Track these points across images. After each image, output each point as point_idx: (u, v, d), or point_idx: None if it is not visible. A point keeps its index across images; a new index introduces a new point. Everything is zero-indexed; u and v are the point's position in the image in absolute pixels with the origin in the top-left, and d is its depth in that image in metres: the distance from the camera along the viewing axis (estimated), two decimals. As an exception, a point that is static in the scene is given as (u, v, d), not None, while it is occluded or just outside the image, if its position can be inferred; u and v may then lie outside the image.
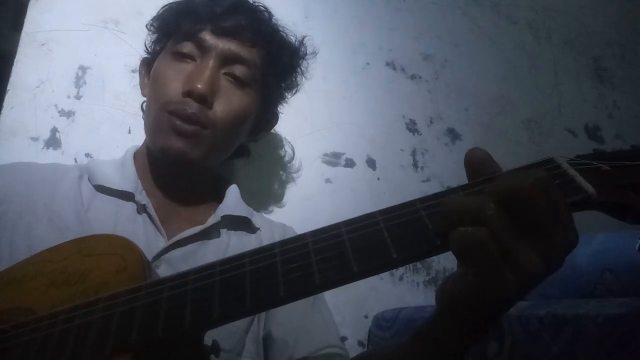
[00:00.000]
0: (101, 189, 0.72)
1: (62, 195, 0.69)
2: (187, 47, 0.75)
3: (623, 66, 1.44)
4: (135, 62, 0.99)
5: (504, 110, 1.29)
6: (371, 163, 1.13)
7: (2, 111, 0.93)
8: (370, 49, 1.23)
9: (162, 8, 0.85)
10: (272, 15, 0.85)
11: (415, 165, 1.16)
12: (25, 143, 0.93)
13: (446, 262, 1.08)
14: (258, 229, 0.81)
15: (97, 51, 1.02)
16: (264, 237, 0.80)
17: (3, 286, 0.49)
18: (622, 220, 0.37)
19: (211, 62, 0.74)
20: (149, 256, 0.64)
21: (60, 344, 0.39)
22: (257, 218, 0.83)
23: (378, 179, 1.12)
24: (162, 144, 0.72)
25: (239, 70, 0.76)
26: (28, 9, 1.01)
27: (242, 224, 0.80)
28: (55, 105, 0.96)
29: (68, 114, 0.97)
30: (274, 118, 0.93)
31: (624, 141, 1.34)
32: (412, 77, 1.24)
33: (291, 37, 0.88)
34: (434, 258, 1.09)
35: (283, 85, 0.90)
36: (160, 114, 0.73)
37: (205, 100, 0.72)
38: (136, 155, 0.81)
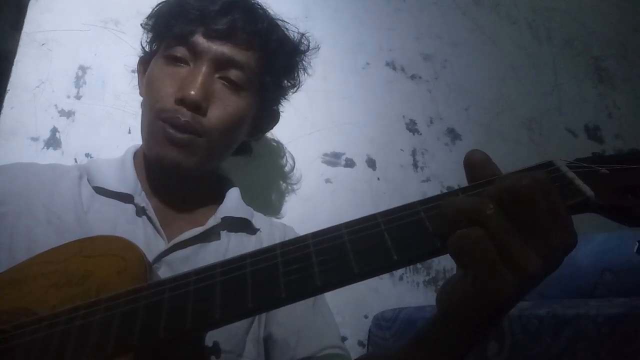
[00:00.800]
0: (100, 190, 0.72)
1: (61, 197, 0.68)
2: (180, 51, 0.73)
3: (623, 66, 1.44)
4: (135, 62, 0.99)
5: (504, 110, 1.29)
6: (371, 163, 1.13)
7: (2, 111, 0.93)
8: (370, 49, 1.23)
9: (156, 6, 0.82)
10: (267, 11, 0.81)
11: (415, 165, 1.16)
12: (25, 143, 0.93)
13: (446, 262, 1.08)
14: (258, 229, 0.80)
15: (97, 51, 1.02)
16: (264, 238, 0.80)
17: (4, 287, 0.49)
18: (621, 223, 0.38)
19: (204, 68, 0.71)
20: (149, 258, 0.64)
21: (61, 344, 0.39)
22: (257, 218, 0.83)
23: (378, 179, 1.12)
24: (156, 153, 0.71)
25: (233, 74, 0.73)
26: (28, 9, 1.00)
27: (242, 226, 0.79)
28: (55, 105, 0.96)
29: (68, 114, 0.97)
30: (274, 117, 0.91)
31: (624, 141, 1.34)
32: (412, 77, 1.24)
33: (290, 32, 0.85)
34: (434, 258, 1.09)
35: (283, 83, 0.87)
36: (154, 122, 0.71)
37: (198, 107, 0.70)
38: (136, 155, 0.80)
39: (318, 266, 0.37)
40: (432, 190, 1.14)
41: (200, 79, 0.70)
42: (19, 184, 0.69)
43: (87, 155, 0.95)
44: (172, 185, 0.77)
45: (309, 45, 0.88)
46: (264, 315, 0.73)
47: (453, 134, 1.22)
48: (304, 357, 0.69)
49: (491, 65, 1.32)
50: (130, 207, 0.71)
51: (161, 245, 0.69)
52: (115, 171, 0.75)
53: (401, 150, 1.16)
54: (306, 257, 0.38)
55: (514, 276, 0.34)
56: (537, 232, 0.35)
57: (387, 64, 1.23)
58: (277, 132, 1.07)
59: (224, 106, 0.72)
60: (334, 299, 0.93)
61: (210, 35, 0.73)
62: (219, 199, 0.81)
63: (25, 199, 0.67)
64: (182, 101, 0.69)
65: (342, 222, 0.40)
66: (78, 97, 0.98)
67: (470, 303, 0.36)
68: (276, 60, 0.80)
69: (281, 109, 0.97)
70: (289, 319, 0.71)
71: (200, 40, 0.72)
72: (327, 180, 1.09)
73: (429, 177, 1.16)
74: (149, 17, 0.83)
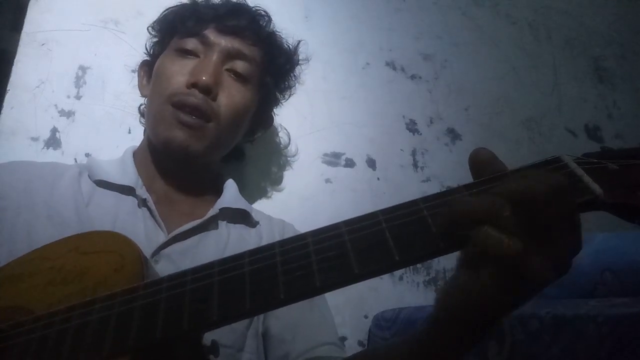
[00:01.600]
0: (102, 183, 0.73)
1: (61, 192, 0.69)
2: (191, 44, 0.78)
3: (623, 66, 1.44)
4: (135, 62, 0.99)
5: (504, 110, 1.29)
6: (371, 163, 1.13)
7: (2, 111, 0.93)
8: (370, 49, 1.23)
9: (164, 11, 0.87)
10: (271, 20, 0.89)
11: (415, 165, 1.16)
12: (25, 143, 0.93)
13: (446, 262, 1.08)
14: (258, 222, 0.81)
15: (97, 51, 1.02)
16: (264, 232, 0.81)
17: (0, 284, 0.49)
18: (631, 221, 0.36)
19: (215, 57, 0.77)
20: (149, 251, 0.64)
21: (57, 345, 0.39)
22: (256, 213, 0.84)
23: (378, 179, 1.12)
24: (165, 136, 0.73)
25: (240, 66, 0.79)
26: (28, 9, 1.00)
27: (242, 218, 0.80)
28: (55, 105, 0.96)
29: (68, 114, 0.97)
30: (269, 119, 0.95)
31: (624, 141, 1.34)
32: (412, 77, 1.24)
33: (286, 44, 0.92)
34: (435, 258, 1.09)
35: (280, 85, 0.92)
36: (164, 107, 0.74)
37: (210, 91, 0.74)
38: (135, 153, 0.82)
39: (318, 265, 0.36)
40: (432, 190, 1.14)
41: (211, 66, 0.76)
42: (20, 180, 0.69)
43: (87, 155, 0.95)
44: (172, 180, 0.78)
45: (298, 58, 0.95)
46: None
47: (453, 134, 1.22)
48: (299, 353, 0.69)
49: (491, 65, 1.32)
50: (131, 200, 0.73)
51: (161, 237, 0.69)
52: (116, 166, 0.77)
53: (401, 150, 1.16)
54: (305, 256, 0.37)
55: (528, 278, 0.34)
56: (549, 235, 0.34)
57: (387, 64, 1.23)
58: (277, 132, 1.07)
59: (232, 95, 0.77)
60: (333, 298, 0.93)
61: (221, 30, 0.79)
62: (218, 193, 0.83)
63: (26, 194, 0.68)
64: (194, 84, 0.74)
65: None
66: (78, 97, 0.98)
67: (477, 304, 0.35)
68: (276, 62, 0.87)
69: (281, 108, 0.98)
70: (286, 314, 0.72)
71: (211, 33, 0.78)
72: (327, 180, 1.09)
73: (429, 177, 1.16)
74: (157, 21, 0.88)
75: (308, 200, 1.05)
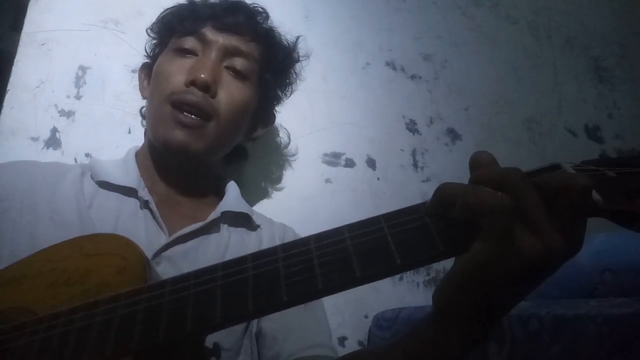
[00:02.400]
0: (104, 184, 0.73)
1: (63, 193, 0.69)
2: (189, 43, 0.78)
3: (623, 66, 1.44)
4: (135, 62, 1.00)
5: (504, 110, 1.29)
6: (371, 163, 1.13)
7: (2, 111, 0.93)
8: (370, 49, 1.23)
9: (162, 12, 0.87)
10: (269, 16, 0.88)
11: (415, 165, 1.16)
12: (25, 143, 0.93)
13: (446, 262, 1.07)
14: (259, 226, 0.81)
15: (97, 51, 1.02)
16: (265, 236, 0.81)
17: (3, 285, 0.49)
18: (629, 228, 0.37)
19: (213, 55, 0.77)
20: (150, 252, 0.64)
21: (60, 346, 0.39)
22: (257, 216, 0.84)
23: (378, 179, 1.12)
24: (164, 137, 0.73)
25: (239, 63, 0.79)
26: (28, 9, 1.00)
27: (243, 221, 0.80)
28: (55, 105, 0.96)
29: (68, 114, 0.97)
30: (271, 117, 0.95)
31: (624, 141, 1.34)
32: (412, 77, 1.24)
33: (284, 40, 0.91)
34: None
35: (280, 82, 0.92)
36: (164, 107, 0.74)
37: (208, 88, 0.74)
38: (137, 154, 0.82)
39: (320, 269, 0.37)
40: (432, 190, 1.12)
41: (210, 63, 0.75)
42: (23, 180, 0.69)
43: (87, 155, 0.95)
44: (174, 181, 0.78)
45: (298, 56, 0.95)
46: None
47: (453, 134, 1.22)
48: (290, 353, 0.69)
49: (491, 65, 1.32)
50: (133, 201, 0.73)
51: (162, 239, 0.69)
52: (119, 168, 0.77)
53: (401, 150, 1.16)
54: (308, 260, 0.37)
55: (516, 251, 0.34)
56: (554, 222, 0.35)
57: (387, 64, 1.23)
58: (277, 132, 1.07)
59: (231, 92, 0.77)
60: (334, 298, 0.93)
61: (219, 28, 0.78)
62: (219, 196, 0.83)
63: (28, 195, 0.67)
64: (193, 82, 0.73)
65: (342, 222, 0.40)
66: (78, 97, 0.98)
67: (469, 285, 0.36)
68: (275, 59, 0.86)
69: (281, 108, 0.98)
70: (280, 315, 0.71)
71: (209, 31, 0.78)
72: (327, 180, 1.09)
73: (429, 177, 1.16)
74: (155, 22, 0.88)
75: (308, 200, 1.05)
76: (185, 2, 0.86)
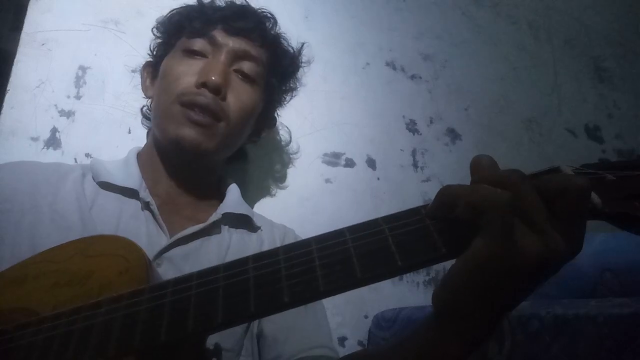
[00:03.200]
0: (105, 185, 0.73)
1: (65, 195, 0.69)
2: (199, 44, 0.78)
3: (623, 66, 1.44)
4: (135, 62, 1.00)
5: (504, 110, 1.29)
6: (371, 163, 1.13)
7: (2, 111, 0.93)
8: (370, 49, 1.23)
9: (170, 12, 0.87)
10: (277, 22, 0.90)
11: (415, 165, 1.16)
12: (25, 143, 0.92)
13: (446, 262, 1.07)
14: (259, 228, 0.82)
15: (97, 51, 1.02)
16: (265, 237, 0.81)
17: (5, 286, 0.49)
18: (628, 230, 0.37)
19: (223, 58, 0.77)
20: (151, 254, 0.64)
21: (63, 346, 0.39)
22: (258, 218, 0.84)
23: (378, 179, 1.12)
24: (175, 134, 0.73)
25: (247, 66, 0.80)
26: (28, 9, 1.00)
27: (243, 223, 0.80)
28: (55, 105, 0.96)
29: (68, 114, 0.97)
30: (272, 120, 0.96)
31: (624, 141, 1.34)
32: (412, 77, 1.24)
33: (290, 47, 0.93)
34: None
35: (284, 87, 0.93)
36: (173, 106, 0.74)
37: (219, 91, 0.74)
38: (139, 155, 0.82)
39: (321, 271, 0.37)
40: (432, 190, 1.14)
41: (220, 66, 0.76)
42: (24, 181, 0.69)
43: (87, 155, 0.95)
44: (175, 183, 0.78)
45: (301, 61, 0.96)
46: None
47: (453, 134, 1.22)
48: (291, 354, 0.69)
49: (491, 65, 1.32)
50: (134, 203, 0.73)
51: (163, 240, 0.69)
52: (120, 168, 0.77)
53: (401, 150, 1.16)
54: (309, 261, 0.38)
55: (517, 249, 0.34)
56: (556, 223, 0.35)
57: (387, 64, 1.23)
58: (278, 132, 1.07)
59: (239, 95, 0.78)
60: (334, 298, 0.93)
61: (229, 31, 0.79)
62: (220, 197, 0.83)
63: (30, 196, 0.68)
64: (204, 84, 0.74)
65: (342, 222, 0.40)
66: (78, 97, 0.98)
67: (470, 285, 0.36)
68: (281, 64, 0.88)
69: (282, 109, 0.98)
70: (281, 316, 0.72)
71: (219, 34, 0.79)
72: (327, 180, 1.09)
73: (429, 177, 1.16)
74: (162, 22, 0.88)
75: (308, 200, 1.05)
76: (195, 4, 0.86)
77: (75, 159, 0.94)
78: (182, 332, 0.37)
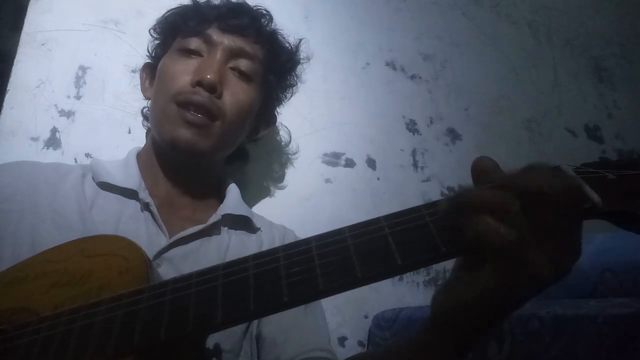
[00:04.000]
0: (105, 186, 0.73)
1: (65, 195, 0.69)
2: (194, 43, 0.78)
3: (623, 66, 1.44)
4: (135, 62, 1.00)
5: (504, 110, 1.29)
6: (371, 163, 1.13)
7: (2, 111, 0.93)
8: (370, 49, 1.23)
9: (166, 12, 0.87)
10: (273, 19, 0.89)
11: (415, 165, 1.16)
12: (25, 143, 0.92)
13: (447, 263, 1.07)
14: (259, 229, 0.81)
15: (97, 51, 1.02)
16: (265, 238, 0.81)
17: (5, 286, 0.49)
18: (628, 229, 0.37)
19: (218, 56, 0.77)
20: (151, 254, 0.64)
21: (62, 345, 0.39)
22: (257, 219, 0.84)
23: (378, 179, 1.12)
24: (171, 135, 0.73)
25: (244, 64, 0.79)
26: (28, 9, 1.00)
27: (243, 224, 0.80)
28: (55, 105, 0.96)
29: (68, 114, 0.97)
30: (272, 118, 0.95)
31: (624, 141, 1.34)
32: (412, 77, 1.24)
33: (287, 43, 0.92)
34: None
35: (282, 83, 0.92)
36: (170, 106, 0.74)
37: (215, 89, 0.74)
38: (139, 156, 0.82)
39: (321, 270, 0.37)
40: (432, 190, 1.14)
41: (215, 64, 0.76)
42: (24, 182, 0.69)
43: (87, 155, 0.95)
44: (175, 183, 0.78)
45: (299, 58, 0.95)
46: None
47: (453, 134, 1.22)
48: (290, 356, 0.69)
49: (491, 65, 1.32)
50: (133, 203, 0.73)
51: (163, 241, 0.69)
52: (120, 169, 0.77)
53: (401, 150, 1.16)
54: (309, 260, 0.38)
55: (528, 277, 0.34)
56: (553, 236, 0.35)
57: (387, 64, 1.23)
58: (277, 132, 1.07)
59: (236, 93, 0.78)
60: (334, 298, 0.93)
61: (224, 29, 0.79)
62: (220, 198, 0.83)
63: (30, 197, 0.68)
64: (199, 83, 0.74)
65: (342, 222, 0.40)
66: (78, 97, 0.98)
67: (475, 305, 0.36)
68: (278, 61, 0.87)
69: (282, 109, 0.98)
70: (280, 318, 0.72)
71: (214, 32, 0.79)
72: (327, 180, 1.09)
73: (429, 177, 1.16)
74: (158, 22, 0.88)
75: (308, 200, 1.05)
76: (190, 3, 0.86)
77: (75, 159, 0.94)
78: (181, 332, 0.37)
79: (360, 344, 0.99)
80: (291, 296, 0.36)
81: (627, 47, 1.47)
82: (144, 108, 0.93)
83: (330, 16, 1.22)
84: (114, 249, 0.48)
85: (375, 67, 1.22)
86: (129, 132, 0.99)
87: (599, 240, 0.76)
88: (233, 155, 0.89)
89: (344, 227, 0.39)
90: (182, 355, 0.40)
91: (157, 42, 0.88)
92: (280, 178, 1.06)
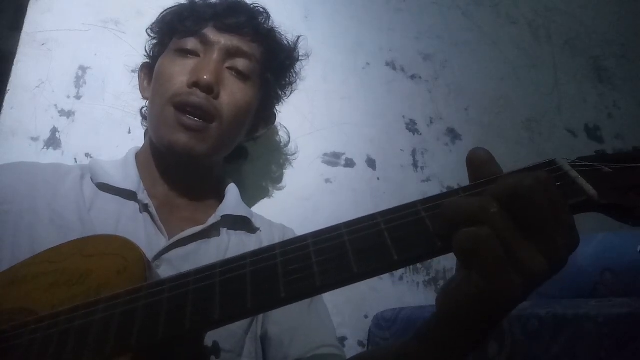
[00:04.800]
0: (104, 187, 0.73)
1: (64, 195, 0.69)
2: (191, 43, 0.78)
3: (623, 66, 1.44)
4: (135, 62, 1.00)
5: (504, 110, 1.29)
6: (371, 163, 1.13)
7: (2, 111, 0.93)
8: (370, 49, 1.23)
9: (162, 12, 0.87)
10: (270, 16, 0.88)
11: (415, 165, 1.16)
12: (25, 143, 0.93)
13: (446, 262, 1.08)
14: (258, 229, 0.81)
15: (97, 51, 1.02)
16: (264, 238, 0.81)
17: (4, 286, 0.49)
18: (624, 222, 0.37)
19: (215, 56, 0.76)
20: (150, 255, 0.64)
21: (61, 344, 0.39)
22: (257, 219, 0.83)
23: (378, 179, 1.12)
24: (168, 139, 0.73)
25: (241, 63, 0.79)
26: (28, 9, 1.00)
27: (242, 224, 0.80)
28: (55, 105, 0.96)
29: (68, 114, 0.97)
30: (271, 117, 0.95)
31: (624, 141, 1.34)
32: (412, 77, 1.24)
33: (285, 40, 0.91)
34: (434, 258, 1.09)
35: (281, 82, 0.92)
36: (167, 109, 0.74)
37: (211, 90, 0.74)
38: (138, 156, 0.82)
39: (318, 266, 0.37)
40: (432, 190, 1.14)
41: (212, 64, 0.75)
42: (22, 183, 0.69)
43: (87, 155, 0.95)
44: (174, 184, 0.78)
45: (298, 55, 0.94)
46: (261, 314, 0.73)
47: (453, 134, 1.22)
48: (297, 355, 0.69)
49: (491, 65, 1.32)
50: (132, 204, 0.72)
51: (162, 242, 0.69)
52: (119, 169, 0.77)
53: (401, 150, 1.16)
54: (306, 257, 0.38)
55: (519, 276, 0.34)
56: (540, 232, 0.35)
57: (387, 64, 1.23)
58: (277, 132, 1.07)
59: (233, 93, 0.77)
60: (334, 298, 0.93)
61: (220, 28, 0.78)
62: (219, 198, 0.82)
63: (29, 197, 0.67)
64: (195, 84, 0.73)
65: (341, 222, 0.40)
66: (78, 97, 0.98)
67: (473, 304, 0.36)
68: (276, 59, 0.86)
69: (281, 109, 0.98)
70: (285, 318, 0.72)
71: (211, 32, 0.78)
72: (327, 180, 1.09)
73: (429, 177, 1.16)
74: (155, 22, 0.87)
75: (308, 200, 1.05)
76: (186, 2, 0.86)
77: (75, 159, 0.94)
78: (179, 330, 0.37)
79: (360, 344, 0.99)
80: (288, 293, 0.36)
81: (627, 47, 1.47)
82: (142, 108, 0.93)
83: (330, 16, 1.22)
84: (112, 248, 0.48)
85: (375, 67, 1.22)
86: (129, 132, 0.99)
87: (598, 240, 0.76)
88: (232, 154, 0.88)
89: (340, 224, 0.39)
90: (180, 353, 0.40)
91: (154, 42, 0.87)
92: (280, 178, 1.06)
